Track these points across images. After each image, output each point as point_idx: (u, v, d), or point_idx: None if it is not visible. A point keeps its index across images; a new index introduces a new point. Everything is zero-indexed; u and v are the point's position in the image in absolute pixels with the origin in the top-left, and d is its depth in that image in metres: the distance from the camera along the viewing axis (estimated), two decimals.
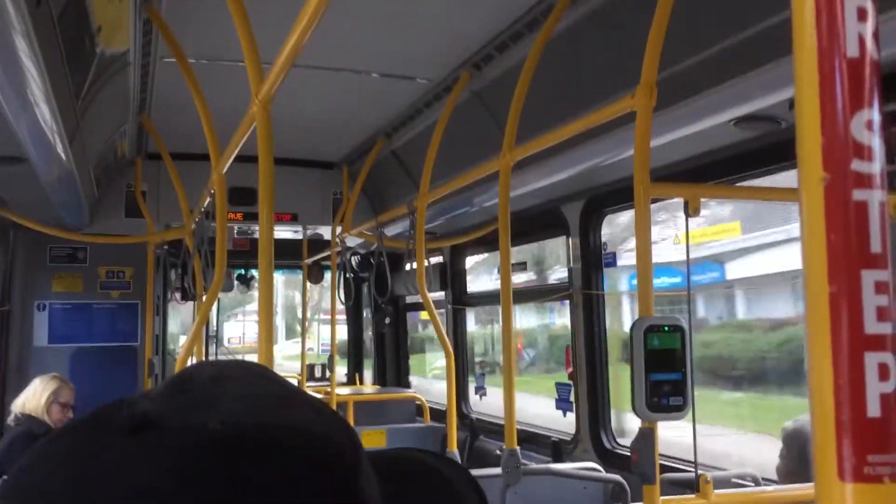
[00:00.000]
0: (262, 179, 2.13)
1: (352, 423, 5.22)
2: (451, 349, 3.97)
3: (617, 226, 5.55)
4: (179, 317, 7.87)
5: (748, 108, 2.58)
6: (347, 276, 6.42)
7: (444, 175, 4.02)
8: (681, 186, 2.35)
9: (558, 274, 5.83)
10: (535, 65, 2.98)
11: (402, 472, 0.63)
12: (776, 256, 8.40)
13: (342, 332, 7.63)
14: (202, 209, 4.16)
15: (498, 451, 3.44)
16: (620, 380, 4.17)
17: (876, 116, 0.42)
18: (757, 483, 3.07)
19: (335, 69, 3.87)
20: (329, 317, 6.81)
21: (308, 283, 7.05)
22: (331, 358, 5.95)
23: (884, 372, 0.40)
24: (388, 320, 7.09)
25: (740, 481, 3.07)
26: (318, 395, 5.49)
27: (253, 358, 2.38)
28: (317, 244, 6.49)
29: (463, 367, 5.87)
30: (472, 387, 5.75)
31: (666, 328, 2.11)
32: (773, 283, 9.02)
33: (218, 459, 0.47)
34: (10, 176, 3.62)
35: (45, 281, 5.77)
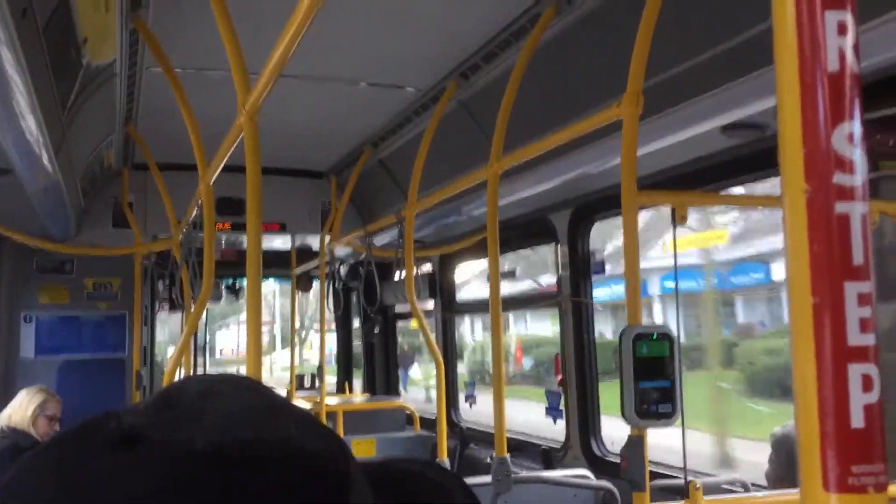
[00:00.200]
0: (250, 189, 2.13)
1: (341, 432, 5.21)
2: (440, 358, 3.96)
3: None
4: (167, 328, 7.83)
5: (735, 116, 2.60)
6: (336, 285, 6.40)
7: (432, 184, 4.03)
8: (668, 194, 2.37)
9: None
10: (522, 74, 2.99)
11: (395, 480, 0.62)
12: None
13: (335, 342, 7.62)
14: (190, 220, 4.14)
15: (488, 460, 3.44)
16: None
17: (857, 129, 0.42)
18: (746, 489, 3.08)
19: (322, 79, 3.87)
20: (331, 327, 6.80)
21: (301, 293, 7.03)
22: (320, 368, 5.93)
23: (867, 383, 0.41)
24: (377, 330, 7.08)
25: (730, 487, 3.07)
26: (308, 405, 5.47)
27: (243, 369, 2.37)
28: (305, 254, 6.48)
29: (453, 375, 5.86)
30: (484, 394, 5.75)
31: (654, 336, 2.11)
32: None
33: (204, 475, 0.46)
34: None
35: (31, 292, 5.73)
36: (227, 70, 2.32)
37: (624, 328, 2.11)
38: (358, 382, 7.70)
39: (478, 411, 5.61)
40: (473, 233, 5.04)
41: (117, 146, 4.85)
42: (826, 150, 0.42)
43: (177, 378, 3.87)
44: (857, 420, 0.40)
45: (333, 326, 7.63)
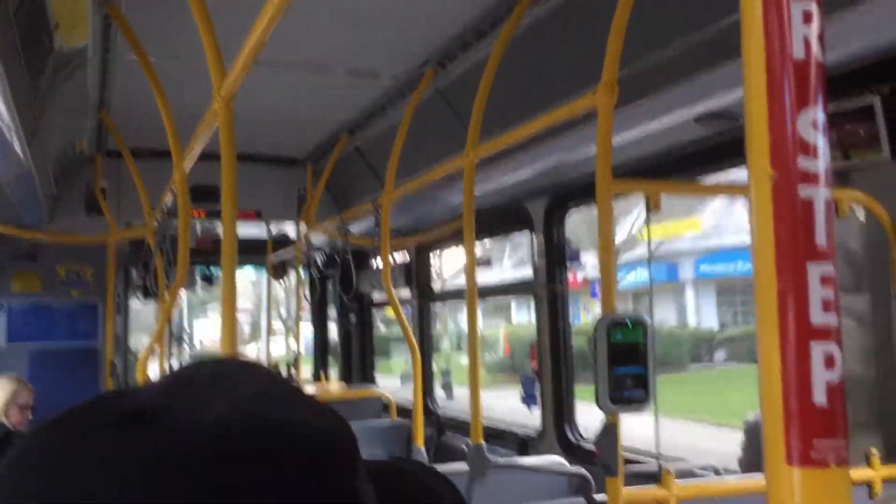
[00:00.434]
0: (225, 177, 2.12)
1: None
2: (416, 346, 3.97)
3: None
4: (142, 317, 7.78)
5: (708, 106, 2.62)
6: (312, 273, 6.39)
7: (409, 172, 4.02)
8: (642, 183, 2.39)
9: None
10: (499, 63, 2.99)
11: (384, 476, 0.63)
12: None
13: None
14: (164, 207, 4.11)
15: (464, 447, 3.46)
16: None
17: (821, 116, 0.43)
18: (718, 474, 3.12)
19: (298, 66, 3.85)
20: (308, 315, 6.78)
21: (286, 282, 7.01)
22: (296, 357, 5.92)
23: (829, 361, 0.42)
24: (353, 318, 7.07)
25: (702, 473, 3.12)
26: None
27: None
28: (281, 242, 6.45)
29: (429, 363, 5.88)
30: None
31: (629, 323, 2.14)
32: None
33: (218, 454, 0.47)
34: None
35: (2, 280, 5.66)
36: (201, 57, 2.30)
37: (599, 315, 2.13)
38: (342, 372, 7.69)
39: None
40: (449, 221, 5.04)
41: (90, 133, 4.80)
42: (791, 136, 0.43)
43: (150, 367, 3.85)
44: (820, 397, 0.41)
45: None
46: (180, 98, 3.45)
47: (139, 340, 8.99)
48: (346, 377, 7.27)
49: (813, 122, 0.43)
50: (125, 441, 0.47)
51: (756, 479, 2.42)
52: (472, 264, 3.20)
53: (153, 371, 4.27)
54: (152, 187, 4.62)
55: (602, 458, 2.11)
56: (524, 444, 4.53)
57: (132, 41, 3.19)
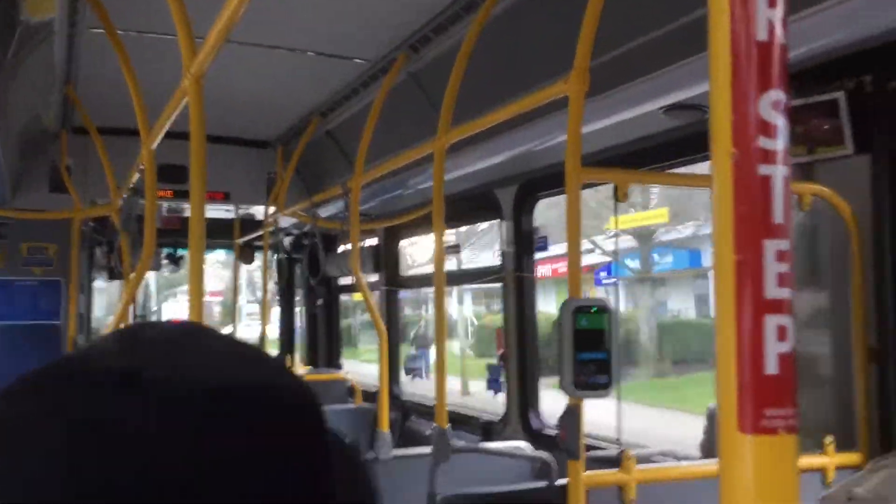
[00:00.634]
0: (194, 156, 2.10)
1: None
2: (384, 330, 3.98)
3: None
4: (107, 296, 7.69)
5: (676, 97, 2.65)
6: (280, 256, 6.36)
7: (380, 156, 4.02)
8: (610, 172, 2.41)
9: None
10: (472, 48, 3.00)
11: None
12: None
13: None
14: (130, 186, 4.06)
15: (429, 432, 3.48)
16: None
17: (782, 97, 0.45)
18: (678, 460, 3.18)
19: (270, 46, 3.82)
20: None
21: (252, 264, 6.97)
22: (261, 339, 5.90)
23: (782, 333, 0.44)
24: (320, 301, 7.06)
25: (662, 458, 3.17)
26: None
27: None
28: (249, 224, 6.41)
29: (396, 348, 5.89)
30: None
31: (594, 309, 2.16)
32: None
33: (209, 421, 0.47)
34: None
35: None
36: (172, 33, 2.27)
37: (564, 300, 2.15)
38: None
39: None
40: (419, 206, 5.05)
41: (56, 108, 4.72)
42: (752, 116, 0.44)
43: None
44: (772, 367, 0.43)
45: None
46: (149, 74, 3.40)
47: (103, 323, 8.88)
48: (311, 361, 7.27)
49: (774, 104, 0.45)
50: (108, 406, 0.47)
51: (713, 464, 2.47)
52: (441, 250, 3.21)
53: None
54: (119, 165, 4.56)
55: (564, 441, 2.13)
56: (488, 430, 4.57)
57: (101, 15, 3.14)
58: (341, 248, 6.06)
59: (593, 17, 2.21)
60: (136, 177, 3.89)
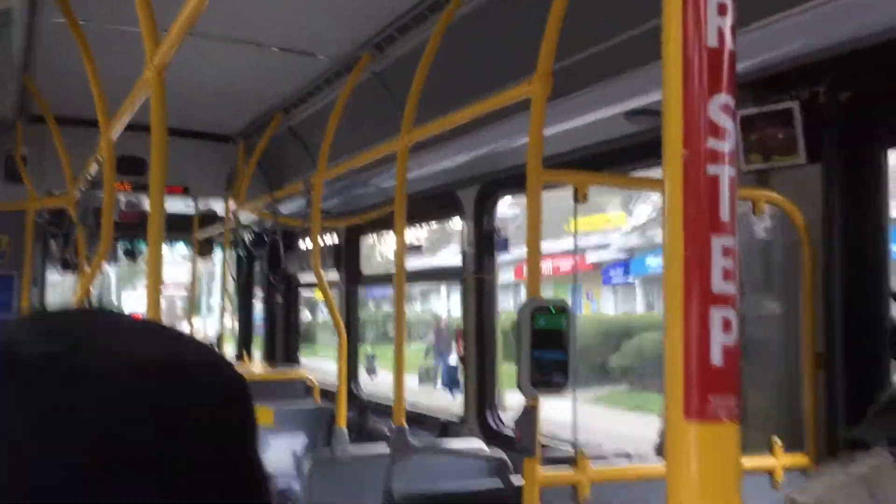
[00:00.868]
0: (155, 149, 2.08)
1: None
2: (343, 328, 3.98)
3: None
4: (61, 290, 7.56)
5: (637, 102, 2.70)
6: (240, 252, 6.31)
7: (343, 154, 4.02)
8: (571, 174, 2.44)
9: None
10: (437, 48, 3.01)
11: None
12: None
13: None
14: (88, 177, 4.00)
15: (387, 430, 3.48)
16: None
17: (730, 101, 0.47)
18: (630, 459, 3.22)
19: (234, 40, 3.80)
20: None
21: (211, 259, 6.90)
22: (220, 337, 5.85)
23: (727, 325, 0.46)
24: (279, 299, 7.02)
25: (615, 459, 3.21)
26: None
27: None
28: (209, 219, 6.35)
29: (355, 347, 5.88)
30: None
31: (552, 309, 2.19)
32: None
33: (134, 391, 0.48)
34: None
35: None
36: (134, 24, 2.25)
37: (524, 301, 2.17)
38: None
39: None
40: (381, 205, 5.05)
41: (12, 97, 4.63)
42: (702, 118, 0.47)
43: None
44: (717, 357, 0.45)
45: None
46: (110, 65, 3.36)
47: None
48: (269, 357, 7.22)
49: (723, 107, 0.47)
50: (39, 391, 0.48)
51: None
52: (402, 249, 3.22)
53: None
54: (76, 156, 4.48)
55: (521, 441, 2.16)
56: (445, 429, 4.59)
57: (61, 3, 3.09)
58: (302, 245, 6.04)
59: (557, 21, 2.24)
60: (94, 168, 3.84)
